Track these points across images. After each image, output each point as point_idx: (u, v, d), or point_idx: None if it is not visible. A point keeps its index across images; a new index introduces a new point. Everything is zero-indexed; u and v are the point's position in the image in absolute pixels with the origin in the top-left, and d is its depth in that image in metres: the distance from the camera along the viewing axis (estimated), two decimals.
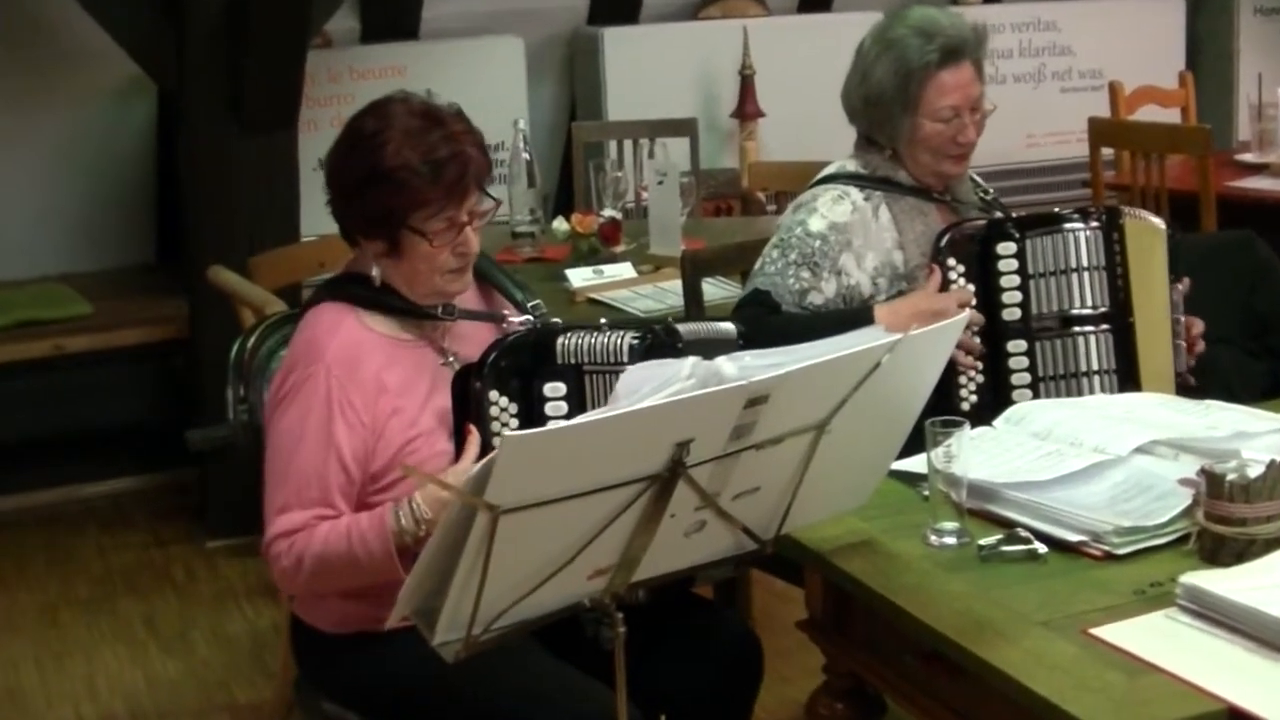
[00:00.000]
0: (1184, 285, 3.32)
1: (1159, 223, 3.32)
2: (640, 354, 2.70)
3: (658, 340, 2.73)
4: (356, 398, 2.74)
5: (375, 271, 2.85)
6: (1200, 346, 3.35)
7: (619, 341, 2.73)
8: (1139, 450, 2.73)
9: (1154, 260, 3.29)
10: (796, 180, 4.15)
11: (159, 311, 6.04)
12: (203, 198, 5.41)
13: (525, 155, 5.04)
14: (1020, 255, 3.25)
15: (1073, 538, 2.50)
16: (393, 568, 2.62)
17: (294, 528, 2.69)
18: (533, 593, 2.21)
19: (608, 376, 2.72)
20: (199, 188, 5.42)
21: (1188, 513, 2.50)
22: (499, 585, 2.14)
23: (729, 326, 2.86)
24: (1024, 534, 2.51)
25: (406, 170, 2.74)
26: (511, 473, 2.00)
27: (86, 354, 5.88)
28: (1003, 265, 3.25)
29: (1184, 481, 2.59)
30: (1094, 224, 3.28)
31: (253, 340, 3.05)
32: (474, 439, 2.70)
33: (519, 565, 2.15)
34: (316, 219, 5.59)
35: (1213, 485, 2.40)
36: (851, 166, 3.44)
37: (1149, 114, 6.88)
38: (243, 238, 5.22)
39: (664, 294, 4.40)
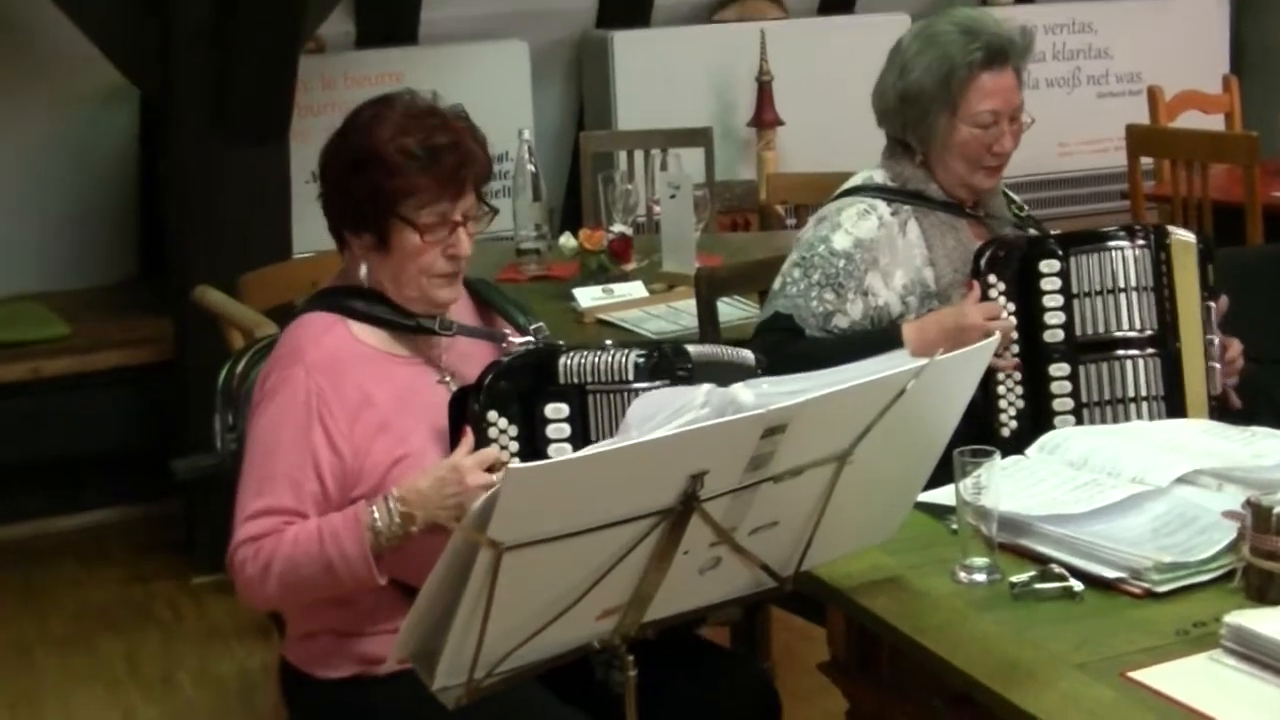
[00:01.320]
0: (1221, 303, 3.32)
1: (1189, 236, 3.32)
2: (646, 372, 2.71)
3: (664, 358, 2.74)
4: (337, 407, 2.74)
5: (363, 272, 2.86)
6: (1239, 366, 3.35)
7: (624, 359, 2.73)
8: (1181, 481, 2.72)
9: (1188, 276, 3.30)
10: (817, 192, 4.16)
11: (142, 333, 6.05)
12: (188, 212, 5.43)
13: (530, 167, 5.05)
14: (1064, 274, 3.26)
15: (1110, 574, 2.50)
16: (368, 571, 2.63)
17: (262, 533, 2.68)
18: (539, 634, 2.21)
19: (612, 396, 2.72)
20: (184, 201, 5.44)
21: (1233, 548, 2.49)
22: (503, 626, 2.15)
23: (748, 354, 2.85)
24: (1059, 570, 2.51)
25: (402, 153, 2.76)
26: (516, 507, 2.00)
27: (65, 377, 5.90)
28: (1045, 284, 3.26)
29: (1229, 514, 2.59)
30: (1140, 242, 3.28)
31: (242, 364, 3.06)
32: (468, 439, 2.69)
33: (524, 605, 2.16)
34: (309, 235, 5.62)
35: (1259, 518, 2.40)
36: (879, 178, 3.45)
37: (1191, 120, 6.89)
38: (231, 254, 5.22)
39: (678, 314, 4.41)
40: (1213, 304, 3.30)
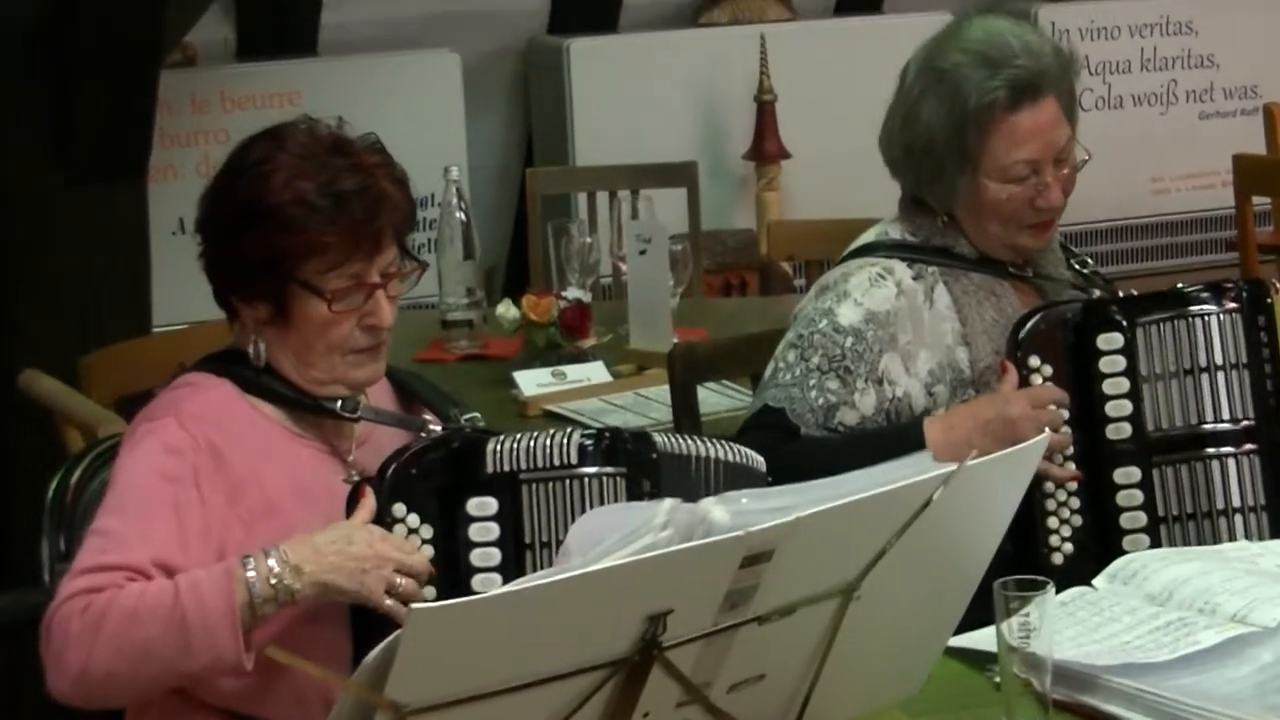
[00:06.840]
0: None
1: None
2: (597, 456, 2.76)
3: (620, 441, 2.79)
4: (214, 469, 2.77)
5: (256, 348, 2.88)
6: None
7: (565, 440, 2.78)
8: None
9: None
10: (832, 245, 4.18)
11: None
12: (16, 272, 5.43)
13: (460, 214, 5.07)
14: (1129, 350, 3.27)
15: None
16: (231, 638, 2.61)
17: (97, 586, 2.65)
18: None
19: (551, 485, 2.77)
20: (10, 258, 5.44)
21: None
22: None
23: (758, 458, 2.89)
24: None
25: (298, 204, 2.79)
26: (422, 659, 2.02)
27: None
28: (1105, 364, 3.27)
29: None
30: (1230, 304, 3.30)
31: (79, 472, 3.07)
32: (368, 501, 2.74)
33: None
34: (174, 302, 5.63)
35: None
36: (896, 233, 3.46)
37: None
38: (71, 328, 5.23)
39: (648, 404, 4.43)
40: None
